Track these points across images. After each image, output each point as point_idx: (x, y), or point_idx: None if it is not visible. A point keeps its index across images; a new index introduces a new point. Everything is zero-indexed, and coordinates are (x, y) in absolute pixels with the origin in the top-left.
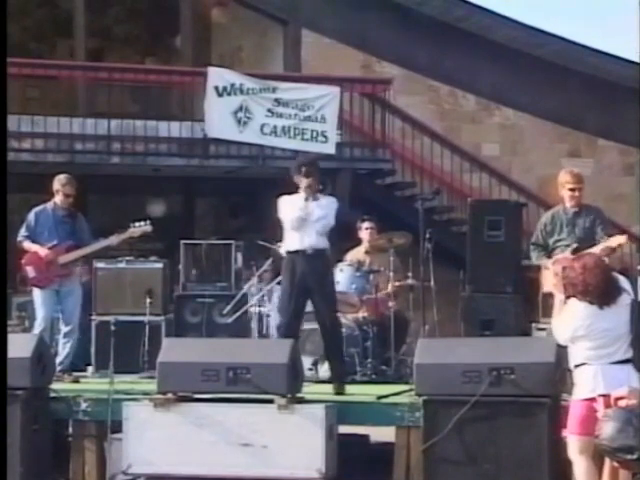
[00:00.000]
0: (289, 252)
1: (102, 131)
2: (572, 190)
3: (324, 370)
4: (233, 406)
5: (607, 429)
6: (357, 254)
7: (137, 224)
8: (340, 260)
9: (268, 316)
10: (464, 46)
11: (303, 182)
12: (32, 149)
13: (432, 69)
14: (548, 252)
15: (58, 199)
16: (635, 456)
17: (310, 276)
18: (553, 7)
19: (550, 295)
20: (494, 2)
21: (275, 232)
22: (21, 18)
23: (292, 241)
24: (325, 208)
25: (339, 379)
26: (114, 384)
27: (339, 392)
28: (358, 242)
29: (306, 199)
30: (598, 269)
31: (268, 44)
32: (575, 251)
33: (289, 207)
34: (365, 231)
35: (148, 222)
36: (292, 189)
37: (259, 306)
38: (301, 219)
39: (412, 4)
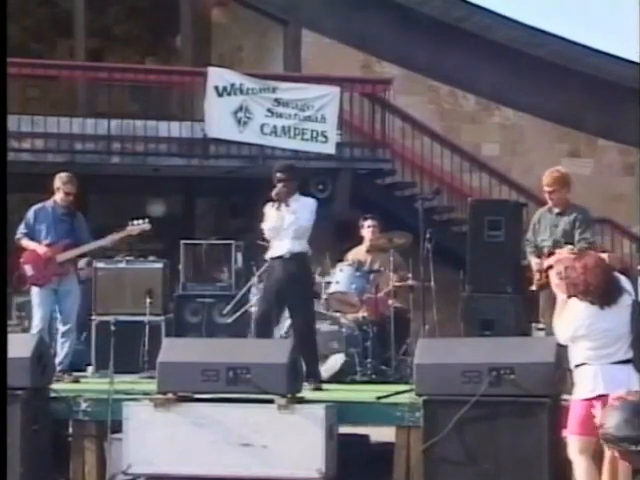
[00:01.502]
0: (270, 259)
1: (102, 131)
2: (548, 193)
3: (324, 370)
4: (233, 406)
5: (613, 419)
6: (358, 253)
7: (135, 222)
8: (341, 260)
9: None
10: (464, 46)
11: (274, 190)
12: (32, 149)
13: (432, 69)
14: (538, 250)
15: (58, 197)
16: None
17: (285, 280)
18: (553, 7)
19: (537, 292)
20: (494, 2)
21: None
22: (21, 18)
23: (272, 249)
24: (296, 212)
25: (315, 378)
26: (114, 384)
27: (316, 388)
28: (359, 241)
29: (278, 208)
30: (599, 269)
31: (268, 44)
32: (549, 254)
33: (266, 217)
34: (367, 229)
35: (146, 220)
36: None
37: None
38: (275, 229)
39: (412, 4)
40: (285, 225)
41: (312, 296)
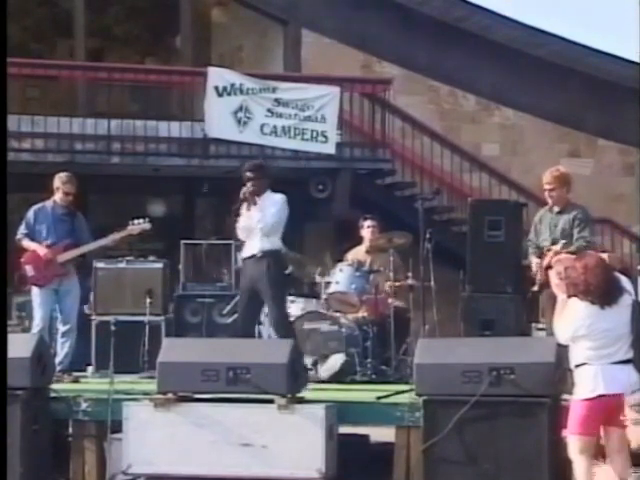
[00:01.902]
0: (244, 258)
1: (102, 131)
2: (548, 190)
3: (324, 370)
4: (233, 406)
5: None
6: (358, 253)
7: (136, 221)
8: (340, 260)
9: (267, 316)
10: (464, 46)
11: (242, 190)
12: (32, 149)
13: (432, 69)
14: (539, 250)
15: (58, 197)
16: None
17: (258, 278)
18: (553, 7)
19: (537, 292)
20: (494, 2)
21: None
22: (21, 18)
23: (245, 249)
24: (263, 210)
25: None
26: (114, 384)
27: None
28: (359, 241)
29: (247, 207)
30: (599, 269)
31: (268, 44)
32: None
33: (240, 217)
34: (367, 229)
35: (147, 220)
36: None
37: None
38: (245, 228)
39: (412, 4)
40: (254, 224)
41: (285, 293)
